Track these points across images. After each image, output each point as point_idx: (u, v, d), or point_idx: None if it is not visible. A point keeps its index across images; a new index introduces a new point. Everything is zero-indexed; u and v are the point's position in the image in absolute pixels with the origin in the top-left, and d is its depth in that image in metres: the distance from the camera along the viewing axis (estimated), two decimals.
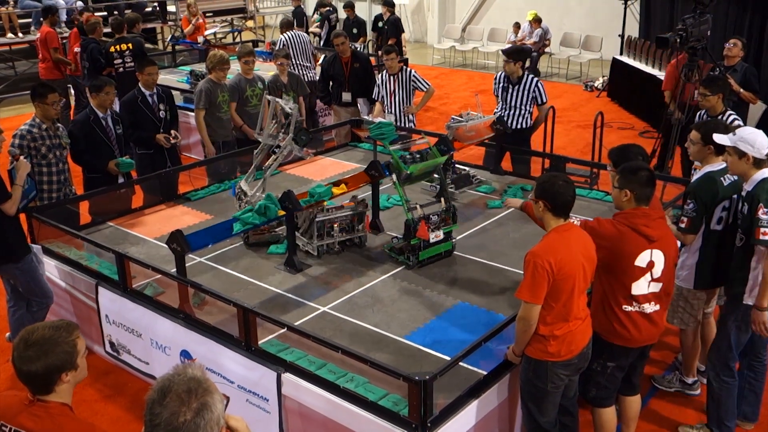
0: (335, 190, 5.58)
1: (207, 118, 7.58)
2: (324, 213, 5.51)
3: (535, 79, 7.61)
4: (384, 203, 6.44)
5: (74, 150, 6.21)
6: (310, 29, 14.53)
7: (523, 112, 7.56)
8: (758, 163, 4.21)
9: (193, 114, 9.60)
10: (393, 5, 13.59)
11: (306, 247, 5.59)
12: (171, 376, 2.15)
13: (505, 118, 7.44)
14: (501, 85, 7.63)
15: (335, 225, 5.56)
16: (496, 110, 7.69)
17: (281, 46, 10.29)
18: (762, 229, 4.08)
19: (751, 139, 4.19)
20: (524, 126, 7.58)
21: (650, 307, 4.05)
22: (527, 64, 15.69)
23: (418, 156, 5.72)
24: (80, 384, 5.07)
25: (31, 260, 5.26)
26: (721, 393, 4.50)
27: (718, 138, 4.38)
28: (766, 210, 4.07)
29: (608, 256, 3.93)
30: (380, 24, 13.50)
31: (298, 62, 10.43)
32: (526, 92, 7.49)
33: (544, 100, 7.57)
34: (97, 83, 6.49)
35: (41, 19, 11.12)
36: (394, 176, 5.55)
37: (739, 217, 4.36)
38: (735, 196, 4.48)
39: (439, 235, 5.43)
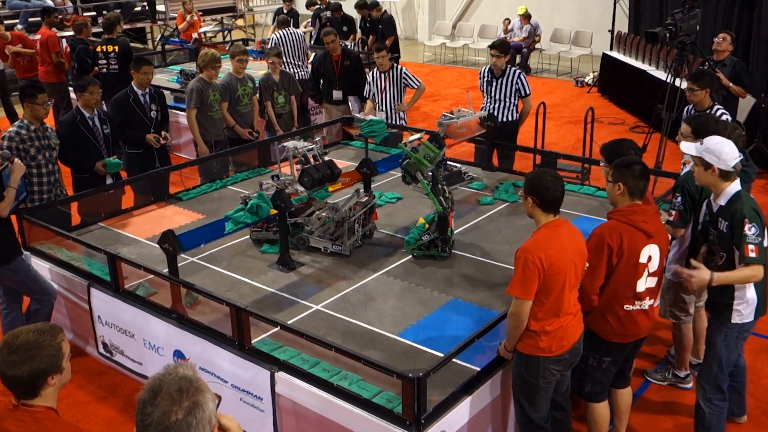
0: (329, 188, 5.60)
1: (198, 118, 7.56)
2: (348, 212, 5.49)
3: (518, 71, 7.77)
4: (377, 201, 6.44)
5: (61, 150, 6.18)
6: (302, 29, 14.51)
7: (508, 104, 7.70)
8: (725, 176, 3.98)
9: (183, 113, 9.61)
10: (376, 4, 13.54)
11: (332, 249, 5.52)
12: (162, 375, 2.15)
13: (492, 112, 7.52)
14: (485, 79, 7.81)
15: (356, 222, 5.58)
16: (482, 107, 7.77)
17: (273, 45, 10.30)
18: (750, 246, 3.88)
19: (717, 150, 3.96)
20: (510, 119, 7.70)
21: (648, 302, 4.08)
22: (517, 60, 15.86)
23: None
24: (73, 386, 5.07)
25: (23, 260, 5.23)
26: (713, 418, 4.29)
27: (685, 147, 4.24)
28: (750, 225, 3.88)
29: (613, 257, 3.91)
30: (367, 25, 13.48)
31: (289, 60, 10.43)
32: (509, 84, 7.65)
33: (528, 92, 7.74)
34: (81, 83, 6.48)
35: (40, 20, 11.04)
36: (418, 175, 5.45)
37: (712, 234, 4.14)
38: (707, 204, 4.38)
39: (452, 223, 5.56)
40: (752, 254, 3.88)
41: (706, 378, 4.29)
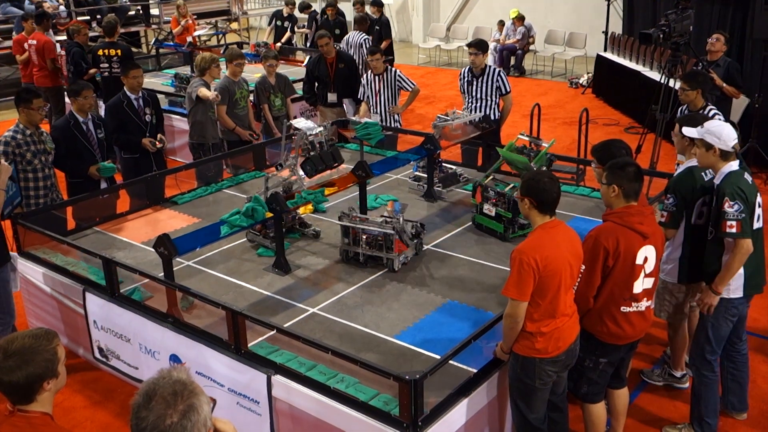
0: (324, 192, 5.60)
1: (197, 119, 7.56)
2: (355, 220, 5.32)
3: (498, 69, 7.79)
4: (371, 203, 6.44)
5: (55, 155, 6.16)
6: (298, 31, 14.52)
7: (489, 102, 7.72)
8: (725, 156, 4.25)
9: (177, 117, 9.63)
10: (381, 5, 13.59)
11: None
12: (156, 379, 2.14)
13: (473, 112, 7.52)
14: (466, 79, 7.83)
15: (364, 237, 5.30)
16: (464, 107, 7.77)
17: (345, 45, 10.89)
18: (728, 222, 4.12)
19: (717, 131, 4.23)
20: (492, 118, 7.69)
21: (644, 304, 4.09)
22: (512, 62, 15.89)
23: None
24: (69, 390, 5.05)
25: (6, 271, 5.13)
26: (701, 388, 4.51)
27: (687, 131, 4.45)
28: (731, 203, 4.11)
29: (609, 260, 3.92)
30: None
31: None
32: (490, 83, 7.66)
33: (508, 90, 7.76)
34: (74, 87, 6.47)
35: (35, 25, 11.00)
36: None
37: (713, 211, 4.39)
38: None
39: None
40: (731, 230, 4.13)
41: (694, 349, 4.58)
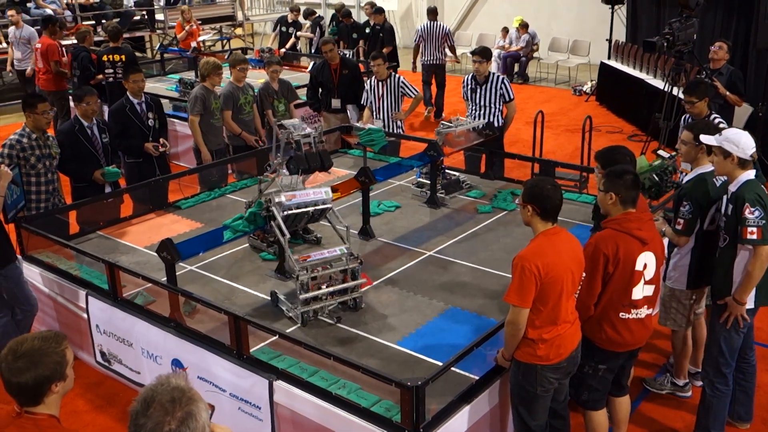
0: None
1: (200, 125, 7.58)
2: (308, 270, 4.72)
3: (501, 77, 7.80)
4: (374, 209, 6.45)
5: (60, 159, 6.18)
6: (300, 35, 14.56)
7: (493, 110, 7.72)
8: (743, 164, 4.24)
9: (180, 122, 9.65)
10: (381, 11, 13.64)
11: (290, 313, 4.81)
12: (154, 386, 2.15)
13: (476, 119, 7.52)
14: (469, 86, 7.83)
15: (323, 286, 4.78)
16: (467, 114, 7.77)
17: (417, 34, 12.33)
18: (749, 229, 4.10)
19: (735, 139, 4.23)
20: (496, 125, 7.69)
21: (644, 311, 4.08)
22: (516, 69, 15.90)
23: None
24: (71, 395, 5.04)
25: (16, 267, 5.21)
26: (713, 400, 4.46)
27: (705, 138, 4.42)
28: (752, 209, 4.10)
29: (609, 266, 3.92)
30: (367, 30, 13.55)
31: (430, 53, 12.32)
32: (493, 90, 7.67)
33: (512, 97, 7.76)
34: (78, 93, 6.49)
35: (40, 29, 11.05)
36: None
37: (723, 218, 4.38)
38: (725, 196, 4.51)
39: None
40: (752, 236, 4.11)
41: (707, 361, 4.52)
